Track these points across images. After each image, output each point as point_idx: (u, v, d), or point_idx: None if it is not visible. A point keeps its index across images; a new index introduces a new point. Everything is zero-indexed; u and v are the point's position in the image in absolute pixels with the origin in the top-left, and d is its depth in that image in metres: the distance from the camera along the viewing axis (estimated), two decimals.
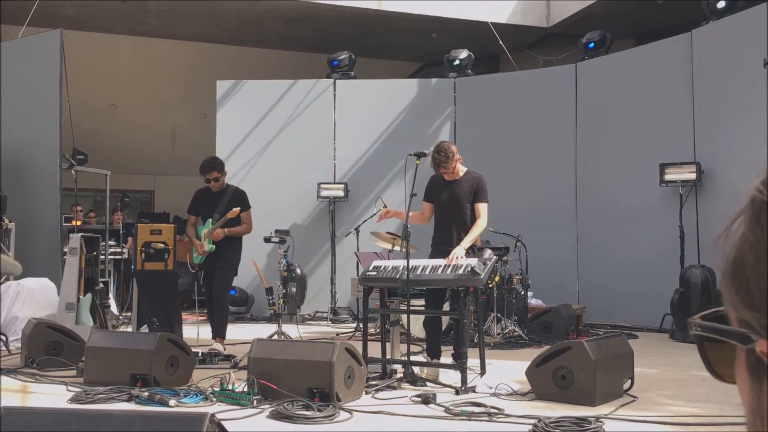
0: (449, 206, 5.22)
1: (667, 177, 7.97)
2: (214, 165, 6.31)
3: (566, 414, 3.87)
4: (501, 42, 10.04)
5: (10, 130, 8.17)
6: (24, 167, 8.14)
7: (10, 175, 8.07)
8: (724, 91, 7.75)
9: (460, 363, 4.68)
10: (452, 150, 5.16)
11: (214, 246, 6.12)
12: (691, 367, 5.63)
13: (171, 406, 4.03)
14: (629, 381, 4.44)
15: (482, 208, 5.18)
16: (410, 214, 5.00)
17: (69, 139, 7.94)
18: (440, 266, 4.85)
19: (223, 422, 2.61)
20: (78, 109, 8.21)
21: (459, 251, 4.89)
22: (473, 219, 5.18)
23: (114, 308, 8.22)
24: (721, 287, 0.54)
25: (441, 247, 5.18)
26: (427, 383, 4.77)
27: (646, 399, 4.32)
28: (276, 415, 3.86)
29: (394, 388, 4.64)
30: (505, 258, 7.41)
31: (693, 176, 7.80)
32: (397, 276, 4.86)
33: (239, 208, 6.13)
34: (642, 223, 8.50)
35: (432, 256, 5.20)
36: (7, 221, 7.61)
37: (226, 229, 6.12)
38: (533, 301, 8.05)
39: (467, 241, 5.02)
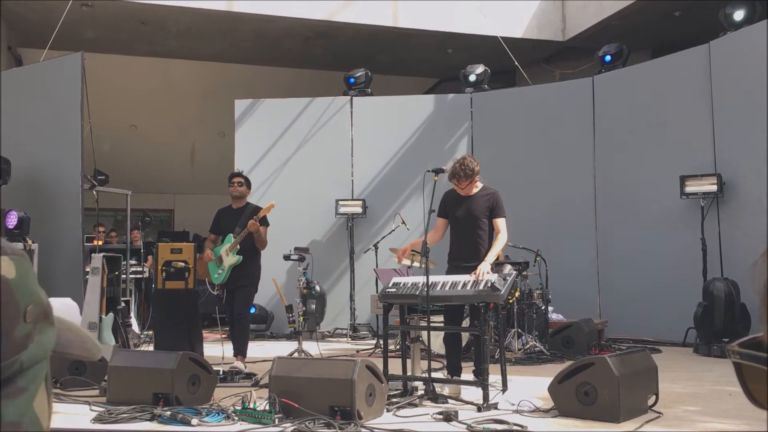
0: (465, 222, 5.20)
1: (688, 189, 7.91)
2: (241, 173, 6.67)
3: (590, 431, 3.83)
4: (513, 57, 10.05)
5: (32, 152, 8.29)
6: (46, 188, 8.25)
7: (33, 195, 8.18)
8: (744, 101, 7.69)
9: (481, 380, 4.65)
10: (474, 169, 5.14)
11: (240, 257, 6.15)
12: (717, 382, 5.56)
13: (193, 425, 4.04)
14: (654, 397, 4.38)
15: (501, 223, 5.16)
16: (430, 233, 5.00)
17: (90, 160, 8.04)
18: (460, 282, 4.83)
19: None
20: (98, 129, 8.32)
21: (485, 267, 4.86)
22: (490, 234, 5.15)
23: (135, 327, 8.26)
24: (759, 314, 0.53)
25: (458, 263, 5.15)
26: (449, 400, 4.74)
27: (671, 415, 4.26)
28: None
29: (416, 406, 4.61)
30: (525, 273, 7.37)
31: (714, 188, 7.73)
32: (417, 292, 4.84)
33: (273, 203, 6.28)
34: (663, 235, 8.42)
35: (449, 272, 5.18)
36: (30, 242, 7.70)
37: (258, 226, 6.13)
38: (554, 316, 7.99)
39: (491, 256, 4.99)
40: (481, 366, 4.69)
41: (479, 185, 5.29)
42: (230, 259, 6.19)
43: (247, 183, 6.55)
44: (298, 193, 9.99)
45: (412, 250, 6.29)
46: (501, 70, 11.48)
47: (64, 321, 0.79)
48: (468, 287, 4.75)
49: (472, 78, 10.19)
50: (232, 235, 6.27)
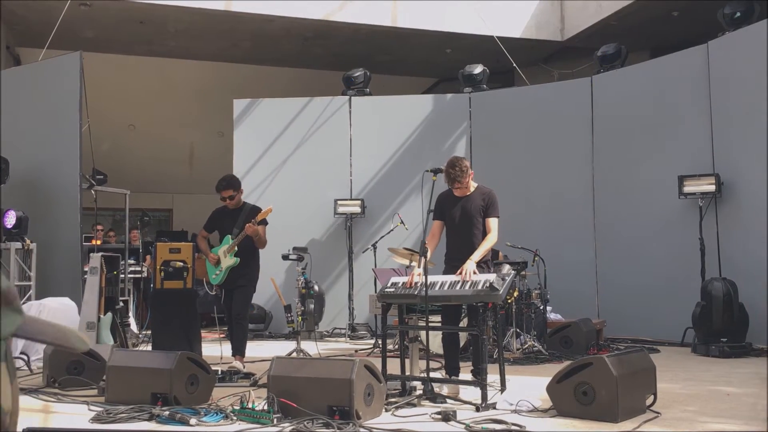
0: (462, 222, 5.20)
1: (686, 189, 7.91)
2: (230, 183, 6.33)
3: (588, 431, 3.83)
4: (512, 57, 10.06)
5: (31, 152, 8.29)
6: (45, 188, 8.24)
7: (32, 195, 8.17)
8: (742, 101, 7.70)
9: (479, 379, 4.65)
10: (466, 164, 5.17)
11: (238, 259, 6.15)
12: (715, 382, 5.56)
13: (192, 425, 4.04)
14: (652, 397, 4.39)
15: (493, 223, 5.16)
16: (427, 240, 5.01)
17: (89, 160, 8.04)
18: (458, 282, 4.83)
19: None
20: (97, 129, 8.32)
21: (470, 266, 4.86)
22: (486, 234, 5.15)
23: (134, 327, 8.26)
24: None
25: (455, 263, 5.14)
26: (448, 400, 4.74)
27: (669, 415, 4.27)
28: None
29: (414, 406, 4.61)
30: (523, 272, 7.37)
31: (712, 188, 7.74)
32: (416, 292, 4.84)
33: (271, 207, 6.21)
34: (661, 236, 8.43)
35: (446, 272, 5.17)
36: (29, 242, 7.70)
37: (258, 229, 6.11)
38: (552, 316, 8.00)
39: (478, 255, 4.98)
40: (480, 366, 4.69)
41: (474, 185, 5.29)
42: (228, 261, 6.18)
43: (235, 186, 6.33)
44: (297, 192, 9.99)
45: (409, 249, 6.29)
46: (500, 70, 11.49)
47: (44, 320, 0.80)
48: (466, 287, 4.75)
49: (471, 78, 10.19)
50: (230, 236, 6.26)
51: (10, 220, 7.64)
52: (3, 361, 0.72)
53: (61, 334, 0.81)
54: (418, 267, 4.97)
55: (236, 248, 6.16)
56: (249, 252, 6.23)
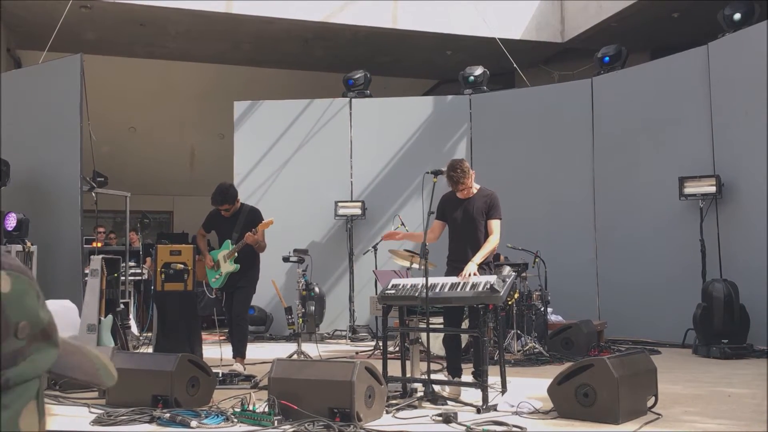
0: (464, 224, 5.21)
1: (687, 190, 7.91)
2: (225, 198, 6.22)
3: None
4: (511, 59, 10.06)
5: (31, 154, 8.29)
6: (46, 190, 8.24)
7: (32, 198, 8.17)
8: (743, 103, 7.70)
9: (480, 381, 4.65)
10: (466, 165, 5.19)
11: (238, 266, 6.14)
12: (716, 383, 5.56)
13: (192, 428, 4.04)
14: (653, 398, 4.38)
15: (495, 225, 5.16)
16: (421, 233, 5.03)
17: (89, 162, 8.03)
18: (459, 284, 4.83)
19: None
20: (98, 131, 8.32)
21: (472, 267, 4.87)
22: (487, 236, 5.16)
23: (135, 329, 8.26)
24: None
25: (456, 264, 5.16)
26: (448, 402, 4.74)
27: (670, 416, 4.26)
28: None
29: (415, 407, 4.61)
30: (524, 274, 7.37)
31: (713, 189, 7.73)
32: (416, 294, 4.85)
33: (272, 220, 6.18)
34: (662, 237, 8.43)
35: (448, 274, 5.19)
36: (29, 244, 7.70)
37: (257, 236, 6.10)
38: (553, 317, 7.99)
39: (479, 257, 5.00)
40: (481, 367, 4.69)
41: (476, 186, 5.30)
42: (228, 266, 6.17)
43: (231, 200, 6.25)
44: (297, 194, 9.99)
45: (410, 251, 6.29)
46: (500, 71, 11.49)
47: (80, 347, 0.77)
48: (467, 289, 4.75)
49: (471, 79, 10.20)
50: (229, 241, 6.25)
51: (11, 222, 7.64)
52: (34, 399, 0.71)
53: (92, 369, 0.78)
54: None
55: (236, 254, 6.16)
56: (249, 257, 6.23)
